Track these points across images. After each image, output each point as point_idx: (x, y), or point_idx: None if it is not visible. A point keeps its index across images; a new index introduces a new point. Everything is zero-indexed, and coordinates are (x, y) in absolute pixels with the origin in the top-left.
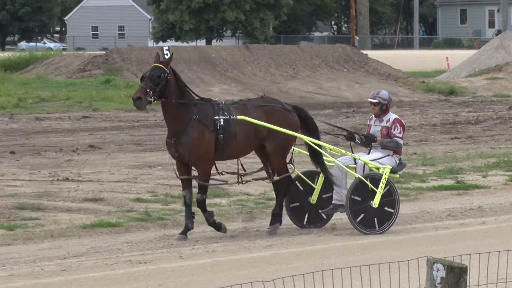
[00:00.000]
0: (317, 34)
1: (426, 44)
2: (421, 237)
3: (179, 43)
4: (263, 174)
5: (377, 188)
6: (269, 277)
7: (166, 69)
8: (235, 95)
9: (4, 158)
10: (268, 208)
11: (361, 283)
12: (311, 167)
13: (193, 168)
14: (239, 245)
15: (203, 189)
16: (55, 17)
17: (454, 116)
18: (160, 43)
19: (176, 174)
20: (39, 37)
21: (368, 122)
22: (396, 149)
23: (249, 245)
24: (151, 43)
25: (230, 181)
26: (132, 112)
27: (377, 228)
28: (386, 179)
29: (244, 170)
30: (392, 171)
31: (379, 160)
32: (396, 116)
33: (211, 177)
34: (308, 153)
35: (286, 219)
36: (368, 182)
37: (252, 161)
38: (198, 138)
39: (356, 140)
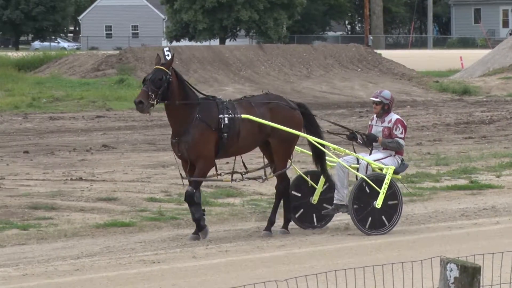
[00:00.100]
0: (331, 33)
1: (440, 43)
2: (435, 237)
3: (192, 43)
4: (259, 172)
5: (380, 189)
6: (282, 277)
7: (167, 71)
8: (249, 94)
9: (18, 158)
10: (280, 207)
11: (374, 283)
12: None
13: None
14: (252, 245)
15: (195, 184)
16: (69, 16)
17: (468, 116)
18: (174, 43)
19: (180, 175)
20: (53, 37)
21: (370, 122)
22: (397, 150)
23: (262, 244)
24: (164, 43)
25: (225, 179)
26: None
27: (387, 224)
28: (390, 179)
29: (246, 168)
30: (395, 172)
31: (382, 161)
32: (398, 117)
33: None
34: (311, 153)
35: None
36: (370, 182)
37: (245, 159)
38: (199, 137)
39: (358, 140)
